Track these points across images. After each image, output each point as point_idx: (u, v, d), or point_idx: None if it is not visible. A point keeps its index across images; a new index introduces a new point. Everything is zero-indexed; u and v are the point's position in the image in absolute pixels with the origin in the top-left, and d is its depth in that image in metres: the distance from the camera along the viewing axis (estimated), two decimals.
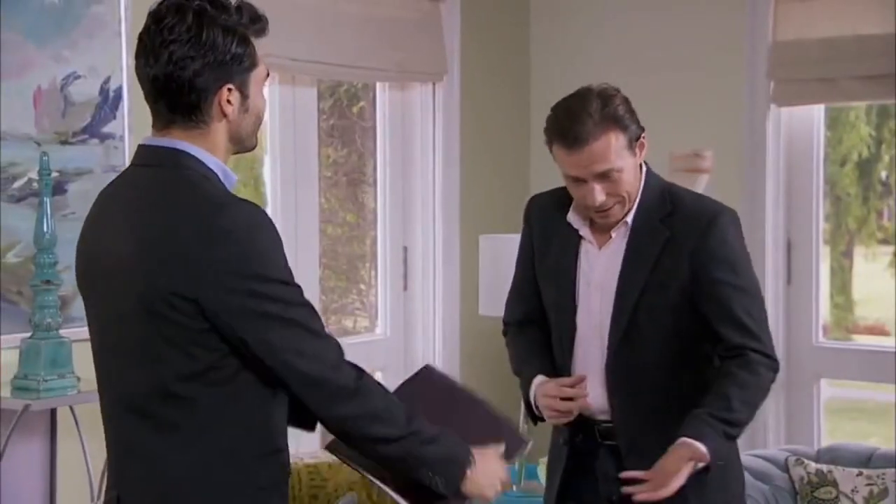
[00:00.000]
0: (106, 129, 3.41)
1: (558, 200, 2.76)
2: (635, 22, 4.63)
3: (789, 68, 4.30)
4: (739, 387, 2.56)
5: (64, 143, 3.31)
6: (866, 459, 3.91)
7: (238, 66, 2.03)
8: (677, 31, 4.54)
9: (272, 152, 4.06)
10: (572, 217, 2.72)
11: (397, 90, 4.53)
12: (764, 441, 4.34)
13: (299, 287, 2.02)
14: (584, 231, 2.70)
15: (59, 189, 3.25)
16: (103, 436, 2.13)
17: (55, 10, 3.28)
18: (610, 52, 4.65)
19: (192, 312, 1.93)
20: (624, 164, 2.57)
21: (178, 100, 2.02)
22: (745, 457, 3.94)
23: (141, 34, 2.04)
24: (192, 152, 2.03)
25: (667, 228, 2.62)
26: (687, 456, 2.49)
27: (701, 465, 2.51)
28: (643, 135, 2.63)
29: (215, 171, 2.04)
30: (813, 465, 3.86)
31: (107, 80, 3.40)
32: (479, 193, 4.67)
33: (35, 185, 3.15)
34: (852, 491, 3.79)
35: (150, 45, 2.01)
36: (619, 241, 2.67)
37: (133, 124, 3.45)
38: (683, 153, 3.93)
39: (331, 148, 4.51)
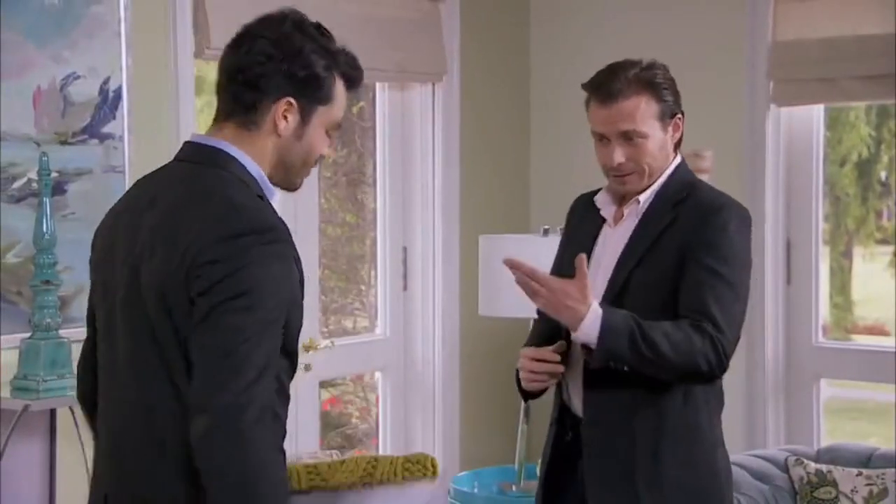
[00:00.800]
0: (105, 130, 3.41)
1: (595, 192, 2.79)
2: (635, 22, 4.63)
3: (789, 68, 4.30)
4: (675, 326, 2.48)
5: (63, 143, 3.31)
6: (866, 459, 3.91)
7: (309, 89, 2.02)
8: (677, 32, 4.54)
9: None
10: (599, 196, 2.74)
11: (397, 90, 4.53)
12: (763, 441, 4.34)
13: (278, 311, 1.91)
14: (606, 210, 2.71)
15: (58, 189, 3.25)
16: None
17: (55, 11, 3.28)
18: (610, 52, 4.61)
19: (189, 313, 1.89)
20: (649, 131, 2.59)
21: (241, 93, 2.01)
22: (745, 457, 3.95)
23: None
24: (235, 155, 2.01)
25: (674, 212, 2.61)
26: (573, 283, 2.44)
27: (583, 336, 2.45)
28: (680, 116, 2.66)
29: (255, 177, 2.01)
30: (813, 465, 3.86)
31: (106, 81, 3.40)
32: (479, 193, 4.67)
33: (35, 185, 3.15)
34: (852, 491, 3.79)
35: (242, 35, 2.04)
36: (630, 220, 2.67)
37: (132, 125, 3.45)
38: (683, 153, 3.93)
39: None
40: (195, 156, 2.04)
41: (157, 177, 2.10)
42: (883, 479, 3.79)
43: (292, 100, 2.01)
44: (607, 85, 2.60)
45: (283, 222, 1.97)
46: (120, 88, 3.43)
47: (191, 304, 1.89)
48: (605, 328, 2.44)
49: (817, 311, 4.41)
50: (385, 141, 4.52)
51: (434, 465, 3.70)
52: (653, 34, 4.58)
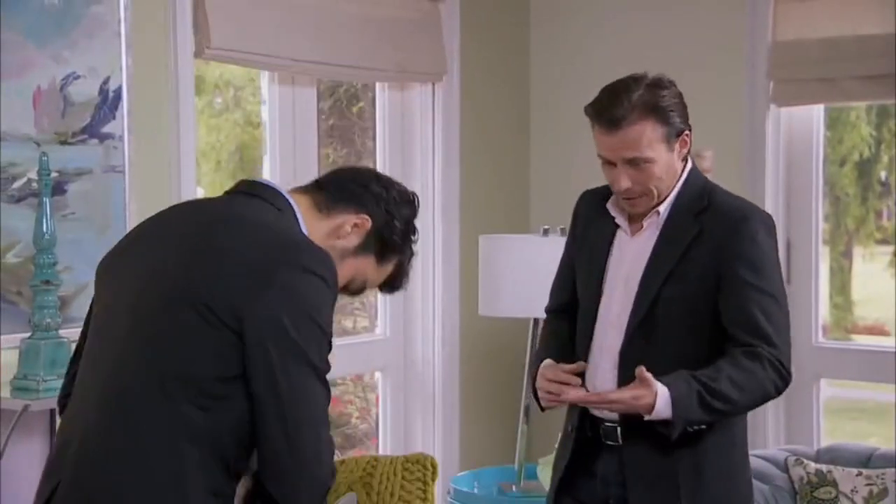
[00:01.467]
0: (105, 130, 3.41)
1: (604, 194, 2.76)
2: (635, 22, 4.63)
3: (789, 68, 4.30)
4: (734, 366, 2.49)
5: (63, 143, 3.31)
6: (866, 459, 3.90)
7: (383, 235, 2.12)
8: (677, 32, 4.54)
9: (272, 152, 4.05)
10: (611, 204, 2.72)
11: (397, 90, 4.53)
12: (764, 441, 4.34)
13: (328, 363, 2.04)
14: (621, 220, 2.70)
15: (58, 189, 3.25)
16: None
17: (55, 11, 3.28)
18: (610, 52, 4.65)
19: (232, 326, 1.91)
20: (656, 156, 2.56)
21: (339, 186, 2.12)
22: None
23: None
24: (294, 208, 2.07)
25: (699, 223, 2.60)
26: (640, 388, 2.44)
27: (656, 416, 2.45)
28: (687, 132, 2.62)
29: (301, 227, 2.07)
30: (812, 465, 3.86)
31: (106, 81, 3.40)
32: (479, 193, 4.67)
33: (35, 185, 3.15)
34: (852, 491, 3.79)
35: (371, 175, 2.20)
36: (650, 231, 2.65)
37: (132, 125, 3.45)
38: None
39: (330, 148, 4.51)
40: (259, 191, 2.09)
41: (212, 203, 2.16)
42: (883, 479, 3.79)
43: (369, 222, 2.10)
44: (610, 111, 2.54)
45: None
46: (120, 88, 3.43)
47: (238, 323, 1.91)
48: (676, 404, 2.44)
49: (817, 311, 4.41)
50: (385, 141, 4.52)
51: (434, 466, 3.70)
52: (653, 34, 4.58)
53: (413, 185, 4.50)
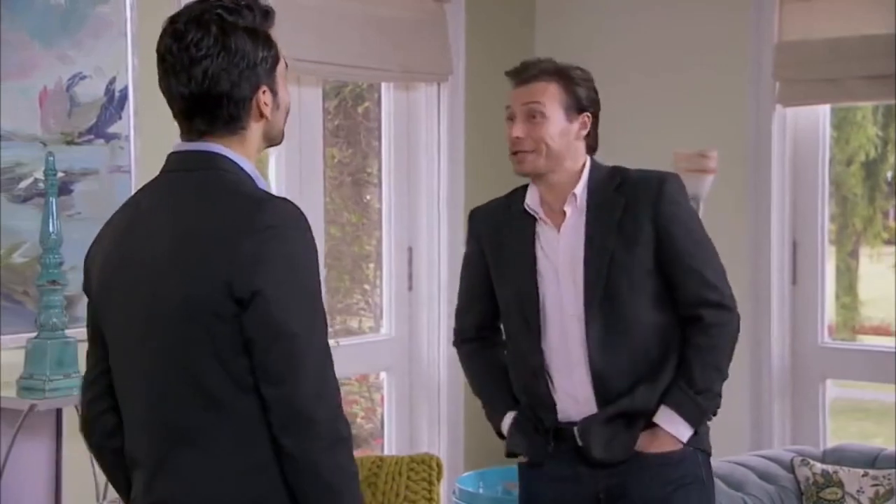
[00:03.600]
0: (111, 130, 3.41)
1: (502, 205, 2.91)
2: (640, 22, 4.63)
3: (794, 68, 4.30)
4: (698, 354, 2.71)
5: (70, 143, 3.31)
6: (872, 460, 3.90)
7: (266, 67, 2.02)
8: (682, 32, 4.54)
9: (277, 152, 4.06)
10: (531, 201, 2.80)
11: (402, 90, 4.53)
12: (769, 441, 4.34)
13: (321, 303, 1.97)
14: (542, 214, 2.79)
15: (64, 189, 3.26)
16: None
17: (60, 10, 3.28)
18: (615, 52, 4.65)
19: (233, 310, 1.88)
20: (552, 114, 2.73)
21: (218, 113, 2.00)
22: (751, 457, 3.95)
23: (164, 54, 2.03)
24: (229, 156, 2.01)
25: (621, 196, 2.72)
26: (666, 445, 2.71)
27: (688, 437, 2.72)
28: (589, 114, 2.77)
29: (250, 174, 2.02)
30: (818, 466, 3.86)
31: (112, 81, 3.41)
32: (484, 194, 4.65)
33: (41, 185, 3.16)
34: (858, 491, 3.79)
35: (179, 64, 2.00)
36: (574, 218, 2.74)
37: (139, 125, 3.45)
38: (688, 153, 3.93)
39: (335, 148, 4.51)
40: (191, 164, 2.02)
41: (156, 191, 2.07)
42: (889, 479, 3.78)
43: (264, 87, 2.02)
44: (524, 71, 2.78)
45: (294, 203, 1.98)
46: (126, 88, 3.43)
47: (237, 304, 1.88)
48: (689, 419, 2.72)
49: (823, 312, 4.41)
50: (390, 141, 4.52)
51: (439, 466, 3.70)
52: (657, 35, 4.58)
53: (418, 185, 4.54)
